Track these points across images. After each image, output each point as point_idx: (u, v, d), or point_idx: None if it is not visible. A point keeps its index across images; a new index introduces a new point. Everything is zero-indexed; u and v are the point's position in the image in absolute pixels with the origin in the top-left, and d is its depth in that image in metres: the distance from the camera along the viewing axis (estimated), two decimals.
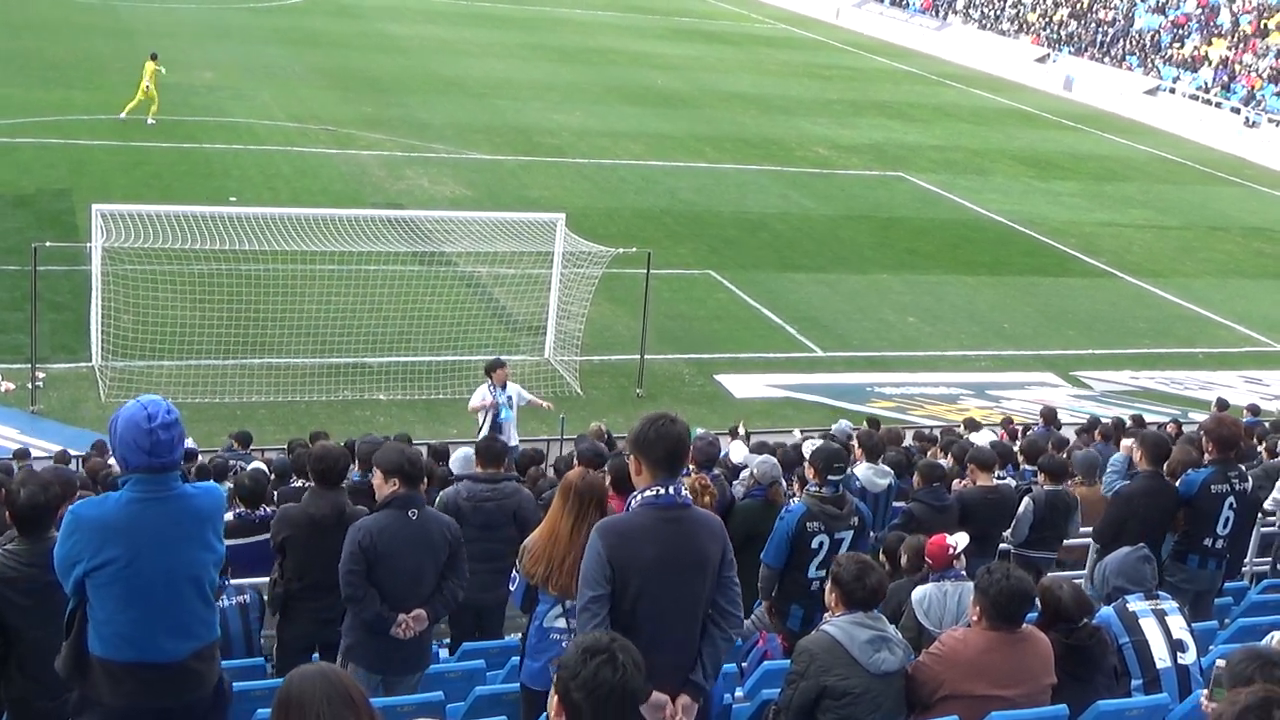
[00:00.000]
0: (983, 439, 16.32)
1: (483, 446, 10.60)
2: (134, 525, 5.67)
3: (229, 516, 10.95)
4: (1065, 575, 9.82)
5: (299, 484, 12.34)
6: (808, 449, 10.69)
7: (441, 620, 8.40)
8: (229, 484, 13.06)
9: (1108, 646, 7.49)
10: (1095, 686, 7.30)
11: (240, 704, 7.59)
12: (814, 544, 9.26)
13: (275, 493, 12.54)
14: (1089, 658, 7.32)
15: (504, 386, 18.36)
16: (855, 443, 12.65)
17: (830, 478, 9.43)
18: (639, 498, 6.06)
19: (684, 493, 6.09)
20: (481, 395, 18.35)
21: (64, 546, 5.73)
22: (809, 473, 9.72)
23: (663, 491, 6.01)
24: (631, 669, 4.39)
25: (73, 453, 17.00)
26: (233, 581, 9.16)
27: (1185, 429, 18.50)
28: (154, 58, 37.14)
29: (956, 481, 12.34)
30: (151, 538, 5.68)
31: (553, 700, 4.46)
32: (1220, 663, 5.78)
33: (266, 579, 10.04)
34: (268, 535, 10.72)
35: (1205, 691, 5.68)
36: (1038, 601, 7.40)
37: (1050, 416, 19.52)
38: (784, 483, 12.42)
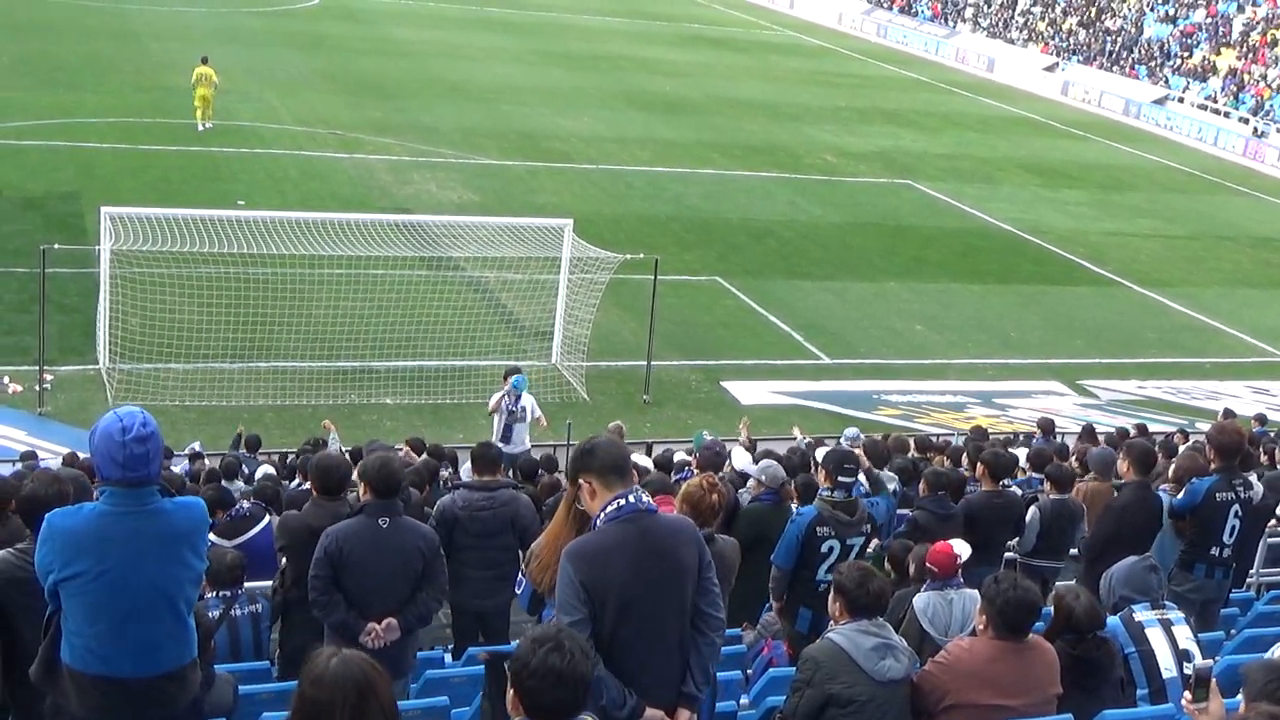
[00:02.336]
0: None
1: (478, 453, 10.48)
2: (105, 538, 5.58)
3: (224, 520, 10.95)
4: (1070, 585, 9.80)
5: (306, 485, 12.31)
6: (820, 454, 10.67)
7: (415, 631, 8.33)
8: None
9: (1115, 658, 7.46)
10: (1100, 698, 7.28)
11: (247, 707, 7.61)
12: (824, 548, 9.25)
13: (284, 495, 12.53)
14: (1095, 669, 7.30)
15: (519, 397, 18.42)
16: (859, 450, 12.62)
17: (841, 479, 9.41)
18: (601, 515, 5.87)
19: (644, 498, 5.91)
20: (497, 399, 18.42)
21: (39, 554, 5.67)
22: (820, 476, 9.71)
23: (622, 502, 5.82)
24: (579, 655, 4.61)
25: (81, 455, 16.99)
26: (248, 585, 9.15)
27: (1192, 438, 18.49)
28: (204, 61, 37.03)
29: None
30: (123, 552, 5.59)
31: (510, 693, 4.70)
32: (1199, 662, 5.77)
33: (271, 583, 10.07)
34: (260, 526, 10.73)
35: (1187, 694, 5.66)
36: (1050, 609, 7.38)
37: (1048, 428, 19.49)
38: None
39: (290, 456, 17.30)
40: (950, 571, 8.38)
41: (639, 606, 5.80)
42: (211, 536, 10.51)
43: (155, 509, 5.70)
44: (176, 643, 5.82)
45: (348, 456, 15.12)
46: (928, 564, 8.46)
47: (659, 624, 5.88)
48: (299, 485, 12.99)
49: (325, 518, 8.50)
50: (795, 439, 18.70)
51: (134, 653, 5.68)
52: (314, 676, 4.38)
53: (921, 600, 8.24)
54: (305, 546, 8.45)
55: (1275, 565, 13.15)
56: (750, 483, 11.96)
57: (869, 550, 9.63)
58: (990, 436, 19.02)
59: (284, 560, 8.99)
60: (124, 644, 5.66)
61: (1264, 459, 15.70)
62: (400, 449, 15.42)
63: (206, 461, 16.12)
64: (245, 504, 10.93)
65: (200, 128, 36.70)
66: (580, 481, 5.95)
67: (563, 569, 5.86)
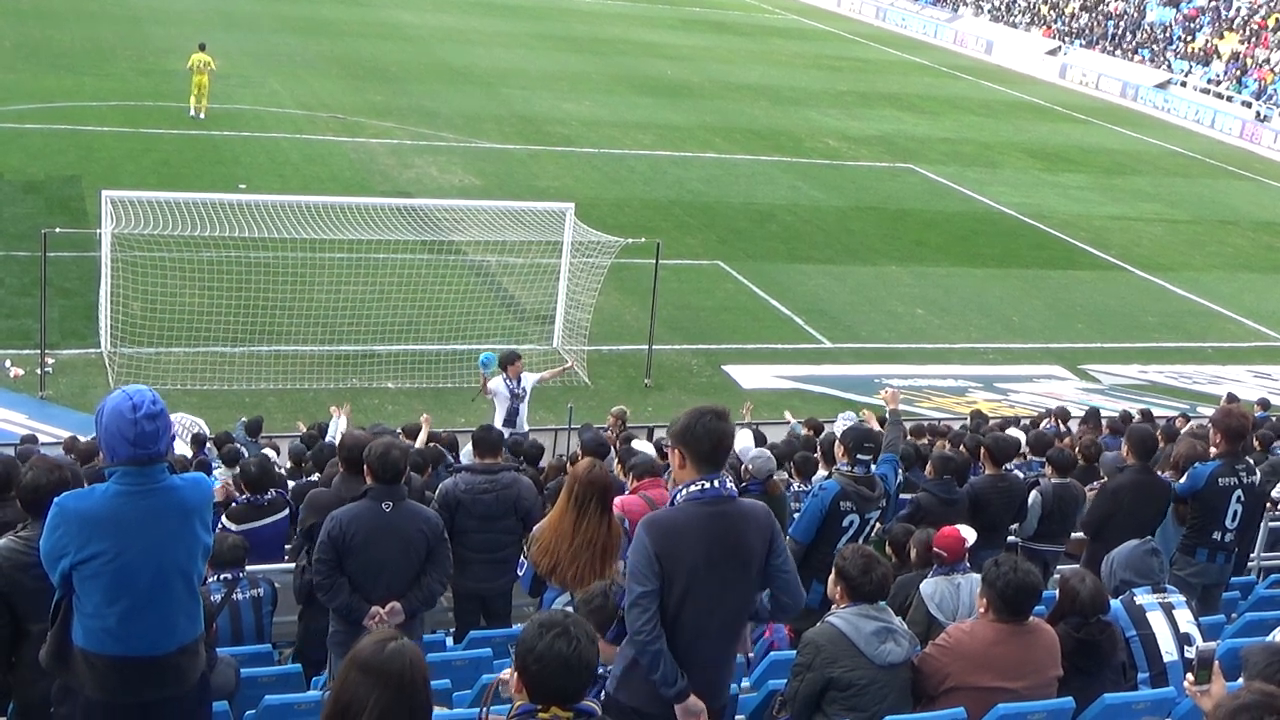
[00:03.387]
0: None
1: (479, 437, 10.49)
2: (120, 518, 5.61)
3: (239, 503, 10.97)
4: (1076, 568, 9.80)
5: (314, 476, 12.28)
6: (838, 428, 10.69)
7: (420, 614, 8.33)
8: (233, 471, 13.06)
9: (1117, 643, 7.47)
10: (1101, 681, 7.29)
11: (249, 689, 7.62)
12: (845, 523, 9.34)
13: (290, 483, 12.51)
14: (1098, 652, 7.30)
15: (519, 379, 18.33)
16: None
17: (860, 457, 9.46)
18: (684, 492, 5.98)
19: (729, 484, 6.00)
20: (495, 386, 18.30)
21: (49, 539, 5.65)
22: (839, 452, 9.76)
23: (708, 485, 5.93)
24: (585, 642, 4.62)
25: (81, 439, 16.98)
26: (249, 567, 9.15)
27: (1192, 423, 18.48)
28: (202, 48, 36.44)
29: None
30: (139, 531, 5.62)
31: (512, 676, 4.70)
32: (1200, 645, 5.78)
33: (277, 566, 10.08)
34: (275, 518, 10.73)
35: (1189, 677, 5.67)
36: (1055, 592, 7.40)
37: (1064, 415, 19.50)
38: (785, 474, 12.44)
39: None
40: (958, 555, 8.38)
41: (705, 588, 5.89)
42: (224, 520, 10.56)
43: (167, 486, 5.73)
44: (189, 617, 5.87)
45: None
46: (936, 549, 8.43)
47: (720, 607, 5.97)
48: (305, 478, 12.89)
49: (357, 493, 8.48)
50: (788, 423, 18.73)
51: (150, 631, 5.72)
52: (362, 660, 4.40)
53: (929, 586, 8.24)
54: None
55: (1275, 549, 13.15)
56: (742, 468, 11.98)
57: (872, 535, 9.66)
58: (989, 420, 19.05)
59: (311, 540, 8.92)
60: (143, 623, 5.69)
61: (1256, 445, 15.68)
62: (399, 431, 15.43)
63: (210, 447, 16.12)
64: (274, 491, 10.93)
65: (193, 113, 36.23)
66: (674, 449, 6.04)
67: (638, 539, 5.93)
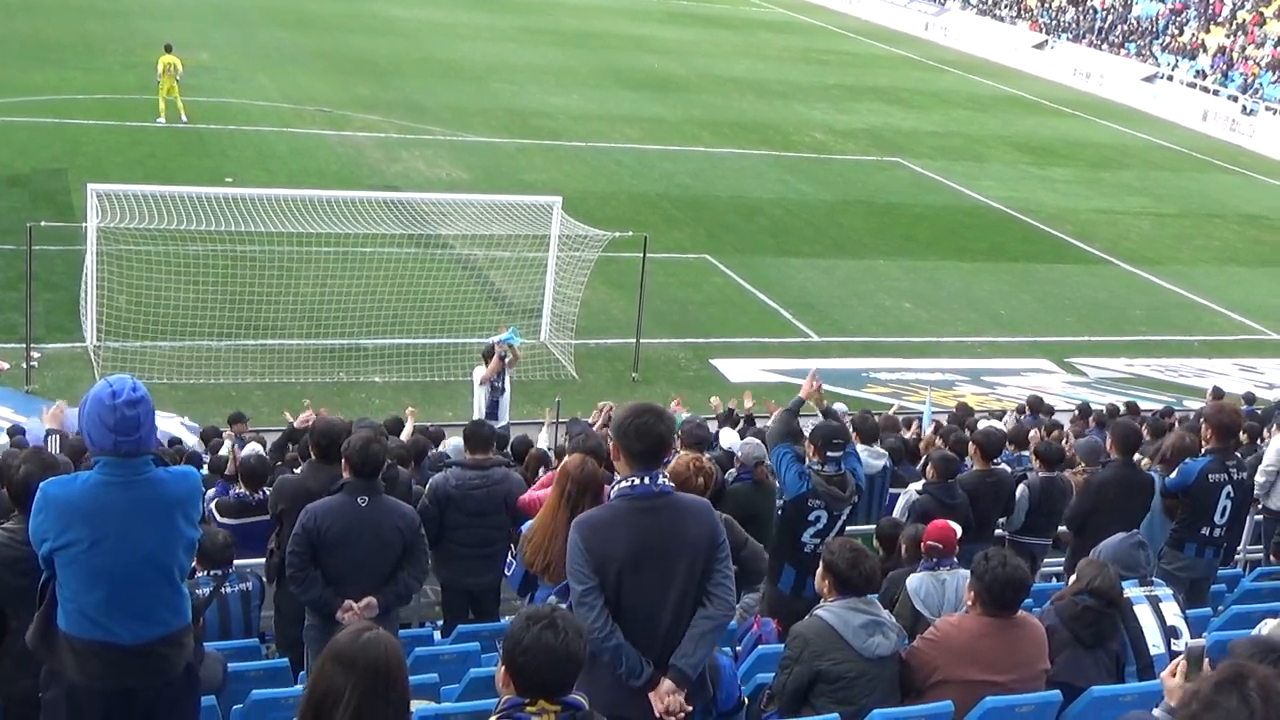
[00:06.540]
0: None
1: (469, 432, 10.48)
2: (99, 508, 5.63)
3: (229, 497, 10.95)
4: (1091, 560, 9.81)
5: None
6: (807, 428, 10.68)
7: (394, 610, 8.31)
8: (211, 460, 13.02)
9: (1118, 629, 7.46)
10: (1096, 659, 7.24)
11: (236, 684, 7.61)
12: (811, 517, 9.38)
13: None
14: (1098, 624, 7.24)
15: (502, 373, 18.46)
16: (850, 426, 12.58)
17: (830, 454, 9.46)
18: (615, 488, 6.01)
19: (662, 480, 5.98)
20: (487, 371, 18.46)
21: (33, 522, 5.73)
22: (809, 450, 9.74)
23: (638, 482, 5.93)
24: (572, 634, 4.64)
25: (26, 427, 16.88)
26: (237, 561, 9.14)
27: (1176, 415, 18.52)
28: (168, 50, 35.62)
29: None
30: (117, 522, 5.63)
31: (499, 670, 4.72)
32: (1190, 642, 5.79)
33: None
34: (265, 517, 10.71)
35: (1170, 670, 5.66)
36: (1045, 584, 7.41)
37: (1037, 405, 19.46)
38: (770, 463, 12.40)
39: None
40: (952, 549, 8.38)
41: (636, 583, 5.88)
42: (214, 509, 10.54)
43: (150, 478, 5.73)
44: (170, 609, 5.86)
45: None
46: (929, 543, 8.39)
47: (656, 602, 5.93)
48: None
49: (324, 480, 8.47)
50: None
51: (129, 619, 5.72)
52: (338, 650, 4.41)
53: (915, 581, 8.24)
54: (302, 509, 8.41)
55: (1259, 543, 13.18)
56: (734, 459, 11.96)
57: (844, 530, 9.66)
58: (974, 414, 19.04)
59: (280, 524, 8.92)
60: (118, 611, 5.70)
61: (1244, 437, 15.71)
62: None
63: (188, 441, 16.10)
64: (268, 490, 10.89)
65: (161, 121, 35.05)
66: (612, 442, 6.07)
67: (571, 538, 5.95)
